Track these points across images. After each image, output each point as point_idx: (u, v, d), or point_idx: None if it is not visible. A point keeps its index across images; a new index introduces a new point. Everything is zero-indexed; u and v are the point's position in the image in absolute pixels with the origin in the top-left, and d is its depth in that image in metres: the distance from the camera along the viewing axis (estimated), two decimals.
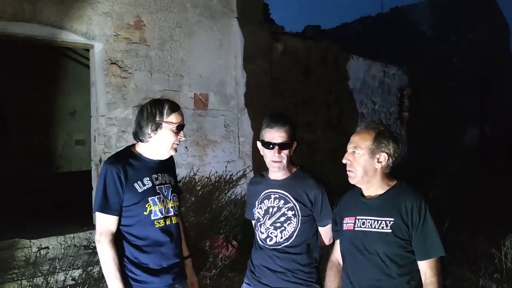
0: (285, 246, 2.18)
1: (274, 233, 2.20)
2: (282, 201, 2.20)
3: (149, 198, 2.04)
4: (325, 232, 2.24)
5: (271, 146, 2.14)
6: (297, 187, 2.20)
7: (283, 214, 2.19)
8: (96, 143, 4.84)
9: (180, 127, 2.09)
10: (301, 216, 2.17)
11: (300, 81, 7.33)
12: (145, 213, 2.03)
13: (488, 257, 4.47)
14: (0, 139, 6.75)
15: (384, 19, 14.70)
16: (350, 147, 1.99)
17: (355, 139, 1.98)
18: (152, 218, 2.05)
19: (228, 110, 5.78)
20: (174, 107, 2.10)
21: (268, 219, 2.22)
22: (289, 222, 2.18)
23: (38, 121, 7.24)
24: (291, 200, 2.18)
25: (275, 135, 2.14)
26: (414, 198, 1.89)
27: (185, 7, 5.35)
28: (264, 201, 2.24)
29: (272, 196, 2.23)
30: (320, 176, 2.29)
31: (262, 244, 2.25)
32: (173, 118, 2.07)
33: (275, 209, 2.20)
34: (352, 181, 1.99)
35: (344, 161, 1.99)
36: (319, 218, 2.21)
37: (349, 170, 1.98)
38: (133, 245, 2.03)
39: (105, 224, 1.99)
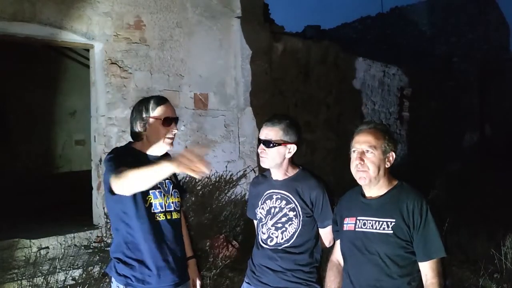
0: (285, 247, 2.18)
1: (275, 233, 2.20)
2: (284, 202, 2.20)
3: (150, 191, 2.03)
4: (325, 234, 2.24)
5: (260, 142, 2.20)
6: (299, 188, 2.20)
7: (285, 215, 2.19)
8: (96, 143, 4.84)
9: (167, 120, 2.08)
10: (303, 216, 2.17)
11: (300, 81, 7.33)
12: (145, 205, 2.02)
13: (488, 257, 4.47)
14: (1, 139, 6.75)
15: (384, 19, 14.69)
16: (362, 147, 1.93)
17: (367, 139, 1.94)
18: (152, 211, 2.04)
19: (228, 110, 5.77)
20: (160, 101, 2.10)
21: (270, 220, 2.22)
22: (290, 222, 2.18)
23: (38, 121, 7.24)
24: (293, 201, 2.19)
25: (264, 132, 2.20)
26: (415, 198, 1.89)
27: (185, 7, 5.35)
28: (266, 202, 2.25)
29: (274, 197, 2.23)
30: (322, 177, 2.29)
31: (263, 244, 2.25)
32: (159, 111, 2.07)
33: (276, 210, 2.21)
34: (364, 181, 1.94)
35: (357, 161, 1.94)
36: (319, 219, 2.20)
37: (361, 170, 1.93)
38: (134, 243, 2.02)
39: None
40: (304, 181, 2.22)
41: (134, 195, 1.98)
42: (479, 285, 4.09)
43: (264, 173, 2.39)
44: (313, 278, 2.20)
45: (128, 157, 1.98)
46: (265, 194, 2.27)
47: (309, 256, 2.20)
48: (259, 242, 2.28)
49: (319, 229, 2.24)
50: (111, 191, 1.88)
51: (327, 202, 2.19)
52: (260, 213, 2.27)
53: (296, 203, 2.18)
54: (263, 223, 2.25)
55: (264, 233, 2.24)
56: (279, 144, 2.16)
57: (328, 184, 2.27)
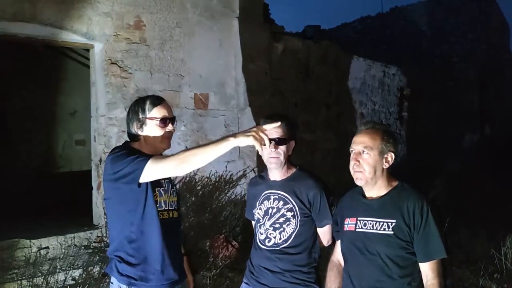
0: (283, 247, 2.18)
1: (273, 234, 2.20)
2: (281, 202, 2.20)
3: (156, 188, 2.03)
4: (323, 233, 2.25)
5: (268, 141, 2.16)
6: (296, 188, 2.20)
7: (283, 215, 2.19)
8: (96, 143, 4.84)
9: (165, 120, 2.07)
10: (300, 216, 2.17)
11: (300, 81, 7.34)
12: (152, 202, 2.01)
13: (488, 257, 4.47)
14: (1, 139, 6.75)
15: (384, 19, 14.70)
16: (358, 148, 1.94)
17: (363, 139, 1.94)
18: (158, 209, 2.03)
19: (228, 110, 5.77)
20: (156, 102, 2.08)
21: (268, 220, 2.22)
22: (288, 223, 2.18)
23: (38, 121, 7.24)
24: (290, 201, 2.19)
25: (271, 130, 2.13)
26: (416, 199, 1.89)
27: (185, 7, 5.35)
28: (264, 202, 2.25)
29: (272, 197, 2.23)
30: (319, 176, 2.29)
31: (260, 245, 2.24)
32: (156, 112, 2.05)
33: (274, 210, 2.21)
34: (360, 182, 1.95)
35: (353, 162, 1.95)
36: (317, 218, 2.21)
37: (357, 171, 1.94)
38: (138, 242, 2.01)
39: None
40: (301, 181, 2.22)
41: (146, 191, 1.97)
42: (479, 285, 4.09)
43: (261, 173, 2.39)
44: (312, 278, 2.20)
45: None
46: (262, 194, 2.27)
47: (308, 256, 2.20)
48: (257, 242, 2.28)
49: (317, 228, 2.24)
50: (136, 181, 1.86)
51: (325, 201, 2.19)
52: (258, 213, 2.27)
53: (294, 203, 2.18)
54: (261, 223, 2.25)
55: (262, 234, 2.24)
56: (289, 141, 2.18)
57: (326, 183, 2.27)
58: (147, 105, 2.06)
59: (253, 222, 2.39)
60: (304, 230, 2.19)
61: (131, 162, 1.87)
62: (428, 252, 1.84)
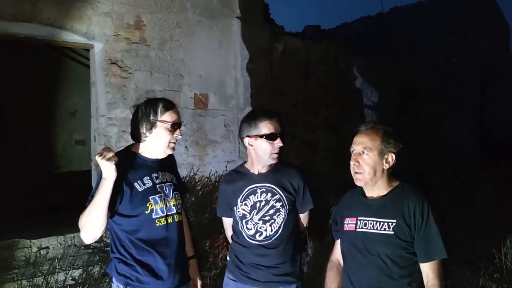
0: (275, 239, 2.20)
1: (263, 227, 2.22)
2: (269, 194, 2.22)
3: (150, 197, 2.03)
4: (304, 218, 2.35)
5: (277, 136, 2.19)
6: (281, 178, 2.24)
7: (272, 207, 2.21)
8: (96, 143, 4.84)
9: (175, 125, 2.08)
10: (288, 206, 2.22)
11: (300, 81, 7.34)
12: (146, 212, 2.02)
13: (488, 257, 4.46)
14: (1, 139, 6.75)
15: (384, 19, 14.69)
16: (358, 148, 1.94)
17: (363, 140, 1.94)
18: (154, 216, 2.04)
19: (228, 110, 5.77)
20: (168, 106, 2.09)
21: (256, 214, 2.22)
22: (278, 213, 2.21)
23: (38, 121, 7.24)
24: (278, 192, 2.22)
25: (277, 125, 2.21)
26: (417, 199, 1.89)
27: (185, 7, 5.35)
28: (250, 197, 2.25)
29: (259, 191, 2.24)
30: (299, 165, 2.39)
31: (250, 240, 2.24)
32: (167, 116, 2.06)
33: (263, 203, 2.22)
34: (360, 183, 1.95)
35: (352, 163, 1.95)
36: (301, 205, 2.28)
37: (357, 172, 1.94)
38: (136, 245, 2.02)
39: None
40: (284, 171, 2.27)
41: (134, 205, 1.99)
42: (479, 285, 4.08)
43: (236, 169, 2.40)
44: (299, 269, 2.30)
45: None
46: (246, 190, 2.26)
47: (295, 246, 2.26)
48: (245, 238, 2.26)
49: (299, 214, 2.33)
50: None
51: (307, 189, 2.27)
52: (243, 209, 2.26)
53: (281, 193, 2.22)
54: (248, 219, 2.24)
55: (250, 229, 2.24)
56: None
57: (307, 170, 2.37)
58: (160, 108, 2.06)
59: (226, 219, 2.42)
60: (291, 219, 2.24)
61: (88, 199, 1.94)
62: (429, 252, 1.84)
